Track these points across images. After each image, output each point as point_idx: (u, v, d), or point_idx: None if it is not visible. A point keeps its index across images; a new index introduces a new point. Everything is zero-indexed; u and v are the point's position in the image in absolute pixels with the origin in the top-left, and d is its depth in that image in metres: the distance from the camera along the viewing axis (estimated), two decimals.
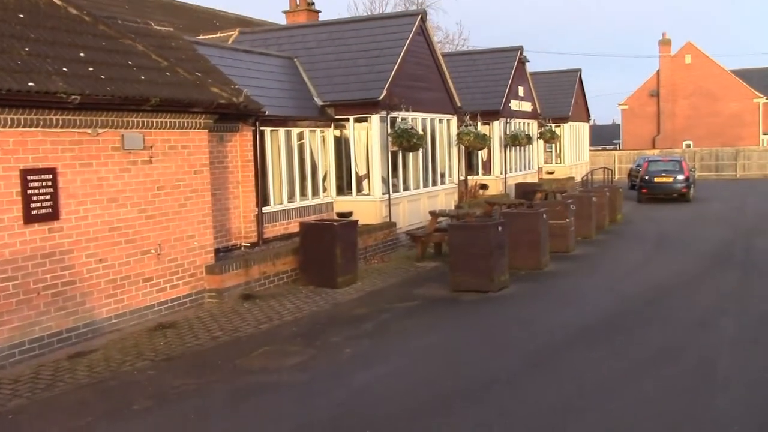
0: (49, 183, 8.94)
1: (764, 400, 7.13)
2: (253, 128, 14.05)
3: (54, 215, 9.01)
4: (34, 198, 8.74)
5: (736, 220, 22.25)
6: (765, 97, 54.24)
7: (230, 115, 12.40)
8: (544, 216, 14.74)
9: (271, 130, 14.96)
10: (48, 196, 8.91)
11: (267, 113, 13.94)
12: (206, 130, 11.62)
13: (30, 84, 8.34)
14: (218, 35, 20.71)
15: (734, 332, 9.66)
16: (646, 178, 28.36)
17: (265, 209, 14.57)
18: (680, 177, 27.96)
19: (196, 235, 11.35)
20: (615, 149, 56.00)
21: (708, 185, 35.71)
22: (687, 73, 56.10)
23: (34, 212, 8.74)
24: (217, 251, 12.34)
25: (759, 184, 36.67)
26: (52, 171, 8.99)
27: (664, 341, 9.27)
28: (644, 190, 28.28)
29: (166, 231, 10.78)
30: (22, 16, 9.74)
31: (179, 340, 9.51)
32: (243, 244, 14.00)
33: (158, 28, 14.43)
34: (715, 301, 11.50)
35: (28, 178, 8.68)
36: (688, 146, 51.87)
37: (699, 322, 10.22)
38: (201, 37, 18.71)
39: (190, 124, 11.16)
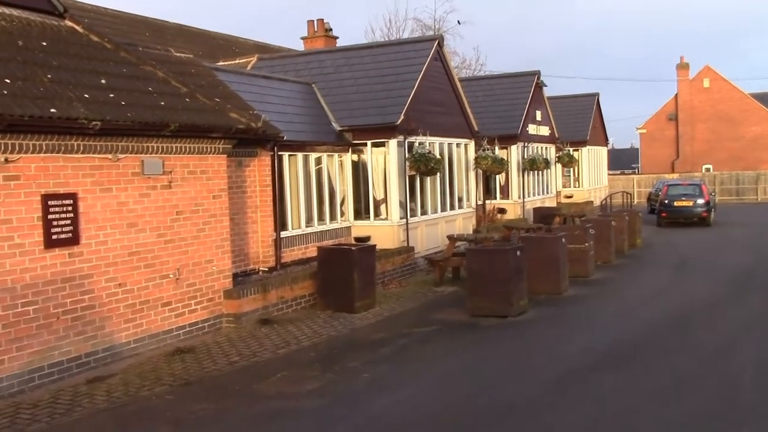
0: (70, 208, 9.01)
1: None
2: (272, 153, 14.13)
3: (74, 240, 9.07)
4: (54, 223, 8.81)
5: (758, 244, 21.97)
6: None
7: (249, 140, 12.48)
8: (563, 240, 14.64)
9: (290, 155, 15.04)
10: (68, 221, 8.98)
11: (285, 138, 14.03)
12: (225, 155, 11.70)
13: (52, 110, 8.45)
14: (237, 61, 20.93)
15: (757, 358, 9.48)
16: (666, 202, 28.16)
17: (283, 234, 14.60)
18: (700, 201, 27.73)
19: (215, 259, 11.38)
20: (634, 173, 55.75)
21: (729, 209, 35.35)
22: (705, 96, 55.90)
23: (54, 237, 8.81)
24: (235, 276, 12.35)
25: None
26: (72, 196, 9.07)
27: (686, 368, 9.12)
28: (664, 214, 28.07)
29: (185, 255, 10.81)
30: (44, 43, 9.89)
31: (197, 365, 9.50)
32: (261, 268, 14.02)
33: (178, 54, 14.62)
34: (737, 327, 11.32)
35: (49, 203, 8.76)
36: (707, 170, 51.52)
37: (721, 348, 10.06)
38: (220, 63, 18.95)
39: (209, 149, 11.23)
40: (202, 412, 7.75)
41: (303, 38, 27.45)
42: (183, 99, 10.95)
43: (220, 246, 11.49)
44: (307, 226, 15.57)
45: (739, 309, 12.67)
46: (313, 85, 18.32)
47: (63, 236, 8.92)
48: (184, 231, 10.82)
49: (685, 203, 27.85)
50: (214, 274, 11.37)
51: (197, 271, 11.03)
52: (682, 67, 56.45)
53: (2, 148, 8.21)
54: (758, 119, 54.48)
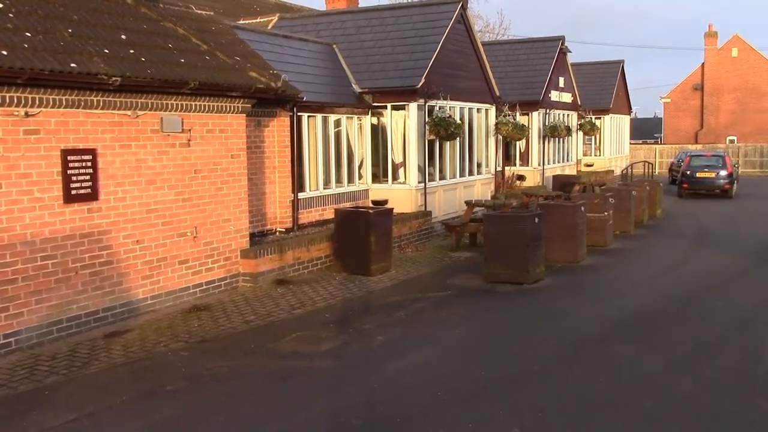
0: (89, 164, 9.04)
1: None
2: (291, 114, 14.06)
3: (93, 195, 9.11)
4: (74, 178, 8.85)
5: None
6: None
7: (268, 100, 12.41)
8: (582, 209, 14.53)
9: (309, 116, 14.96)
10: (87, 177, 9.02)
11: (305, 99, 13.94)
12: (244, 115, 11.65)
13: (72, 65, 8.42)
14: (258, 20, 20.75)
15: None
16: (688, 173, 27.83)
17: (301, 195, 14.59)
18: (723, 173, 27.38)
19: (232, 219, 11.41)
20: (656, 143, 55.08)
21: (751, 182, 34.92)
22: (733, 66, 54.86)
23: (74, 192, 8.85)
24: (252, 236, 12.40)
25: None
26: (92, 152, 9.09)
27: (703, 339, 9.08)
28: (685, 185, 27.76)
29: (203, 214, 10.84)
30: None
31: (213, 323, 9.58)
32: (278, 229, 14.05)
33: (199, 11, 14.51)
34: (756, 299, 11.20)
35: (69, 158, 8.78)
36: (731, 142, 50.75)
37: (739, 320, 9.98)
38: (241, 21, 18.81)
39: (228, 108, 11.19)
40: (217, 369, 7.82)
41: None
42: (203, 57, 10.87)
43: (237, 205, 11.51)
44: (324, 188, 15.54)
45: (759, 281, 12.55)
46: (334, 46, 18.14)
47: (82, 191, 8.96)
48: (202, 189, 10.83)
49: (707, 174, 27.51)
50: (231, 233, 11.40)
51: (214, 230, 11.07)
52: (711, 35, 55.27)
53: (22, 102, 8.22)
54: None
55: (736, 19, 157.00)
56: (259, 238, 13.04)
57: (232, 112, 11.32)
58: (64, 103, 8.66)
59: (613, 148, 35.21)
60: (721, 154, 29.20)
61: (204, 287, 10.90)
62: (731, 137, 52.93)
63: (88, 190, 9.04)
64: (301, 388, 7.33)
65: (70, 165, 8.80)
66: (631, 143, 41.63)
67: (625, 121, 38.22)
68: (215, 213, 11.08)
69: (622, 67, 35.95)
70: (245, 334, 9.20)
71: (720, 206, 24.70)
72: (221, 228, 11.20)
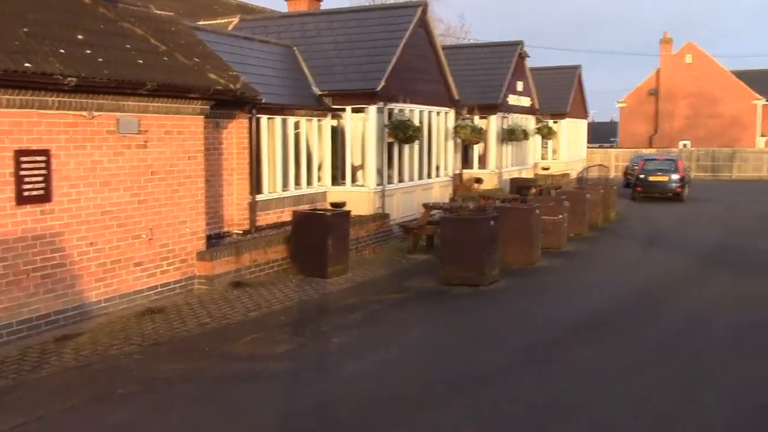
0: (43, 165, 8.93)
1: (753, 397, 7.18)
2: (250, 116, 14.05)
3: (46, 197, 9.01)
4: (26, 179, 8.73)
5: (730, 220, 22.36)
6: (764, 99, 54.12)
7: (227, 101, 12.39)
8: (537, 212, 14.77)
9: (268, 118, 14.96)
10: (41, 178, 8.91)
11: (264, 101, 13.94)
12: (202, 116, 11.61)
13: (27, 65, 8.32)
14: (218, 21, 20.65)
15: (724, 332, 9.71)
16: (642, 176, 28.42)
17: (259, 197, 14.58)
18: (675, 176, 28.01)
19: (188, 221, 11.36)
20: (612, 147, 55.97)
21: (703, 186, 35.78)
22: (687, 73, 56.00)
23: (26, 194, 8.74)
24: (209, 238, 12.35)
25: (753, 186, 36.92)
26: (45, 153, 8.98)
27: (656, 340, 9.31)
28: (639, 189, 28.34)
29: (158, 216, 10.78)
30: None
31: (167, 326, 9.54)
32: (235, 231, 14.02)
33: (158, 12, 14.37)
34: (707, 300, 11.53)
35: (22, 159, 8.67)
36: (685, 146, 51.87)
37: (691, 321, 10.26)
38: (201, 22, 18.68)
39: (186, 110, 11.14)
40: (171, 372, 7.81)
41: None
42: (161, 57, 10.81)
43: (194, 207, 11.46)
44: (283, 190, 15.55)
45: (710, 282, 12.89)
46: (295, 48, 18.14)
47: (35, 193, 8.85)
48: (158, 191, 10.77)
49: (660, 178, 28.11)
50: (187, 235, 11.36)
51: (170, 232, 11.01)
52: (666, 42, 56.35)
53: None
54: (737, 97, 54.72)
55: (691, 29, 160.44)
56: (215, 241, 12.99)
57: (190, 114, 11.28)
58: (18, 103, 8.55)
59: (570, 151, 35.77)
60: (674, 159, 29.89)
61: (159, 290, 10.83)
62: (685, 141, 54.09)
63: (42, 192, 8.93)
64: (256, 391, 7.36)
65: (23, 166, 8.69)
66: (588, 147, 42.31)
67: (582, 125, 38.84)
68: (171, 215, 11.02)
69: (579, 72, 36.55)
70: (200, 336, 9.18)
71: (672, 209, 25.28)
72: (177, 230, 11.15)
